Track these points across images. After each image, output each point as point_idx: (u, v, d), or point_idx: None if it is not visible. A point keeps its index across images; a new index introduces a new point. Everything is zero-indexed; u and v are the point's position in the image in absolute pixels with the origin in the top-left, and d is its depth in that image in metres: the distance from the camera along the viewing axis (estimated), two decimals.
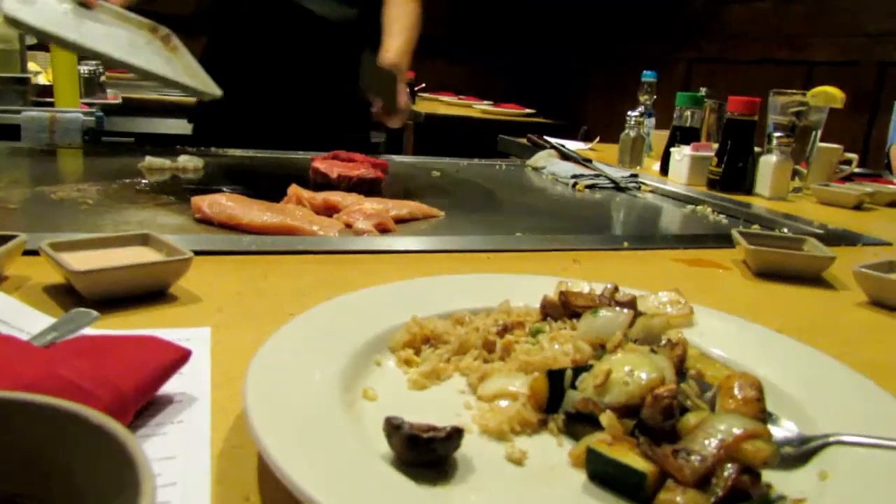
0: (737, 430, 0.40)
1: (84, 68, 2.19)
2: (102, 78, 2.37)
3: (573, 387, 0.46)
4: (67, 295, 0.61)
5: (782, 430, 0.46)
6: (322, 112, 1.66)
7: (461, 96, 4.17)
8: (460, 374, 0.51)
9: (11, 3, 0.99)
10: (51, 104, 2.00)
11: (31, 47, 2.15)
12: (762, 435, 0.40)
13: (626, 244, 0.98)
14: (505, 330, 0.55)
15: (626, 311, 0.53)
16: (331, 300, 0.57)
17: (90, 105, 2.08)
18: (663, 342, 0.54)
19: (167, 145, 1.50)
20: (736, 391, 0.45)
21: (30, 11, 1.01)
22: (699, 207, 1.41)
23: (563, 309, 0.57)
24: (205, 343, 0.54)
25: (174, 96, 3.15)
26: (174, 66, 1.16)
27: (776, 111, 1.62)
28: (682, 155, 1.65)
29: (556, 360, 0.50)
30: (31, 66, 2.18)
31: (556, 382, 0.46)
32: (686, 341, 0.53)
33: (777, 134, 1.55)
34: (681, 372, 0.50)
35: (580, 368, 0.47)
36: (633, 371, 0.45)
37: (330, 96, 1.66)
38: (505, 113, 3.60)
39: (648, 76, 2.11)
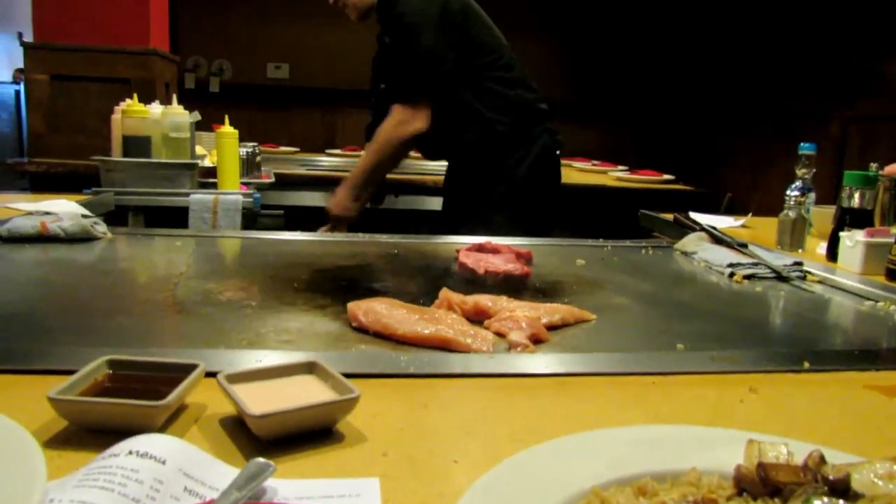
0: None
1: (243, 150, 2.35)
2: (258, 158, 2.55)
3: None
4: (240, 429, 0.63)
5: None
6: None
7: (594, 162, 4.12)
8: None
9: None
10: (214, 185, 2.16)
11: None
12: None
13: (806, 364, 0.89)
14: None
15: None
16: (498, 467, 0.53)
17: (248, 185, 2.22)
18: None
19: (311, 217, 1.61)
20: None
21: None
22: (880, 304, 1.27)
23: (763, 485, 0.51)
24: (375, 501, 0.53)
25: (318, 171, 3.34)
26: None
27: None
28: (854, 241, 1.51)
29: None
30: (198, 149, 2.37)
31: None
32: None
33: None
34: None
35: None
36: None
37: None
38: (642, 180, 3.49)
39: (806, 148, 1.96)
